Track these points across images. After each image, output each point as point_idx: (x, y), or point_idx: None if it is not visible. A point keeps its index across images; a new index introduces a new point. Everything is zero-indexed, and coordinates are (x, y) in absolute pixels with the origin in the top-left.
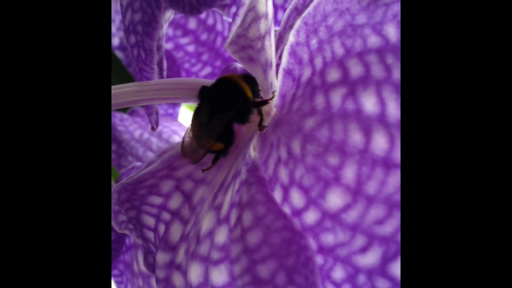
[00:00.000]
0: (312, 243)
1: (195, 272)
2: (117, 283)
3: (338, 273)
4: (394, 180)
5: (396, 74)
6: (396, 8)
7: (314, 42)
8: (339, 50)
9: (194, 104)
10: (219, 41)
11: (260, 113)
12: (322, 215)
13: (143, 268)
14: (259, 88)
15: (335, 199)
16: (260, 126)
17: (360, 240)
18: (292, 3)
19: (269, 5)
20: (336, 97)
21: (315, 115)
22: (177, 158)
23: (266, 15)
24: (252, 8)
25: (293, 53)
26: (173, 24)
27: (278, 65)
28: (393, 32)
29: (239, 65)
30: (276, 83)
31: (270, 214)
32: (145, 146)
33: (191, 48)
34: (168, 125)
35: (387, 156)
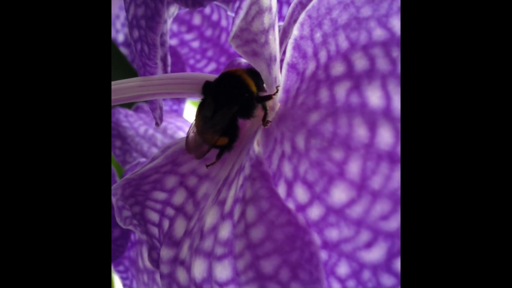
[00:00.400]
0: (316, 239)
1: (198, 268)
2: (123, 279)
3: (343, 269)
4: (399, 175)
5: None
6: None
7: (318, 35)
8: (344, 44)
9: (199, 100)
10: (223, 37)
11: (264, 108)
12: (326, 210)
13: (147, 263)
14: (263, 82)
15: (339, 194)
16: (264, 121)
17: (365, 236)
18: None
19: None
20: (341, 91)
21: (319, 109)
22: (181, 153)
23: (270, 9)
24: (256, 1)
25: (297, 47)
26: (178, 20)
27: (282, 60)
28: (398, 25)
29: (243, 60)
30: (280, 78)
31: (274, 209)
32: (150, 142)
33: (195, 44)
34: (173, 121)
35: (392, 150)
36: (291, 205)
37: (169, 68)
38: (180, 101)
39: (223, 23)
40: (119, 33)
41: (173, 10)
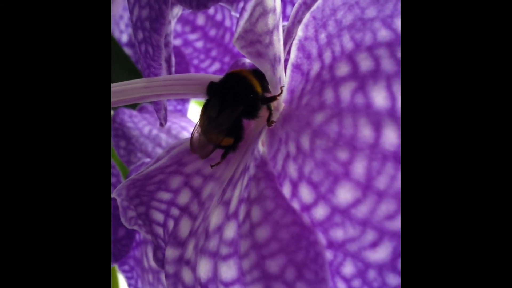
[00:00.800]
0: (321, 239)
1: (204, 268)
2: (128, 278)
3: (348, 269)
4: None
5: None
6: None
7: (323, 36)
8: (349, 44)
9: (203, 100)
10: (227, 37)
11: (269, 108)
12: (331, 210)
13: (152, 263)
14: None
15: (344, 194)
16: (269, 121)
17: (370, 235)
18: None
19: (277, 0)
20: (346, 91)
21: (324, 110)
22: (186, 153)
23: (274, 10)
24: (260, 2)
25: (301, 47)
26: (182, 20)
27: (286, 61)
28: None
29: (247, 61)
30: (284, 78)
31: (279, 209)
32: (154, 143)
33: (199, 44)
34: (177, 122)
35: (398, 150)
36: (296, 205)
37: (173, 69)
38: (184, 101)
39: (227, 23)
40: (123, 33)
41: (177, 11)
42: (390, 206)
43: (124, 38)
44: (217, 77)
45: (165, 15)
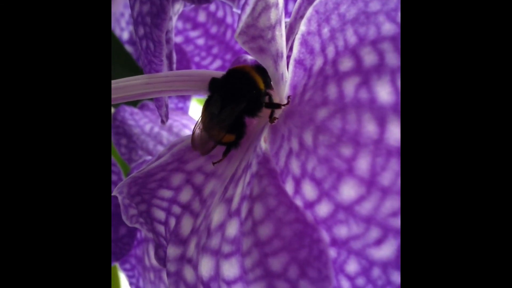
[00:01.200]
0: (325, 236)
1: (206, 266)
2: (129, 277)
3: (352, 266)
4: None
5: None
6: None
7: (326, 31)
8: (352, 39)
9: (204, 98)
10: (229, 34)
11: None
12: (335, 207)
13: (154, 262)
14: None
15: (348, 191)
16: (271, 118)
17: (374, 233)
18: None
19: None
20: (349, 86)
21: (327, 105)
22: (187, 151)
23: (277, 4)
24: None
25: (304, 42)
26: (183, 17)
27: (289, 57)
28: None
29: (249, 57)
30: (287, 74)
31: (281, 206)
32: (156, 140)
33: (201, 41)
34: (179, 119)
35: None
36: (299, 202)
37: (174, 66)
38: (186, 98)
39: (228, 20)
40: (124, 31)
41: (178, 7)
42: (394, 203)
43: (125, 36)
44: (219, 73)
45: (166, 10)
